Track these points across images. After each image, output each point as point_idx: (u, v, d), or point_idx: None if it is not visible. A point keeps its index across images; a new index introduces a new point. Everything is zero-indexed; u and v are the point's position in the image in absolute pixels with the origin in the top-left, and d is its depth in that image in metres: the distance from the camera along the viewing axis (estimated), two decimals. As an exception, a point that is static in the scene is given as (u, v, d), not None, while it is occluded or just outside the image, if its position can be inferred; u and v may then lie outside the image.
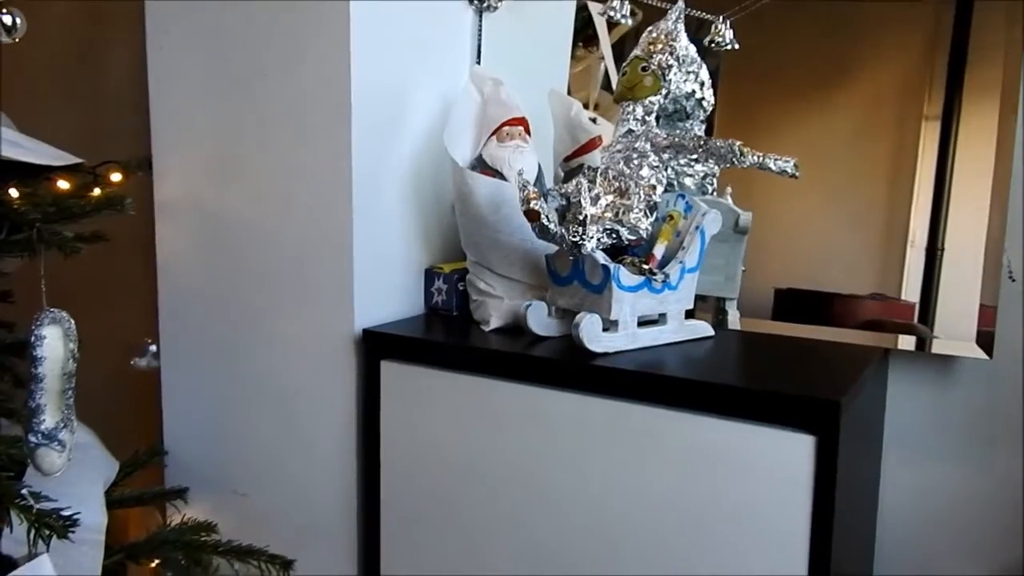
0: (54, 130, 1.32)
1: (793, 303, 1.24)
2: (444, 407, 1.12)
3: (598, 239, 1.04)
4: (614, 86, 1.18)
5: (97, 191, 1.24)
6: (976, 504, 1.22)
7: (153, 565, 1.28)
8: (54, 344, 1.03)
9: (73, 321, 1.05)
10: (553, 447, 1.05)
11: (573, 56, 1.44)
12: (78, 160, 1.24)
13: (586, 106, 1.41)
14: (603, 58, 1.44)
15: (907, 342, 1.18)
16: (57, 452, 1.02)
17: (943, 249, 1.15)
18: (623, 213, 1.06)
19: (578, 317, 1.04)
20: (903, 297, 1.17)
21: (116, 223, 1.22)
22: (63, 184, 1.20)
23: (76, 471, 1.09)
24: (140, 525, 1.39)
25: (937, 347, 1.16)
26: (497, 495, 1.09)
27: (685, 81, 1.14)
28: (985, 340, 1.12)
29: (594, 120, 1.32)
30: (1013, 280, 1.14)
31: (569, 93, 1.42)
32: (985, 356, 1.12)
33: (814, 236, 1.25)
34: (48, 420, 1.02)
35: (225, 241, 1.30)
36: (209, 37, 1.27)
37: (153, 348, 1.40)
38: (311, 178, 1.21)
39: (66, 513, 1.01)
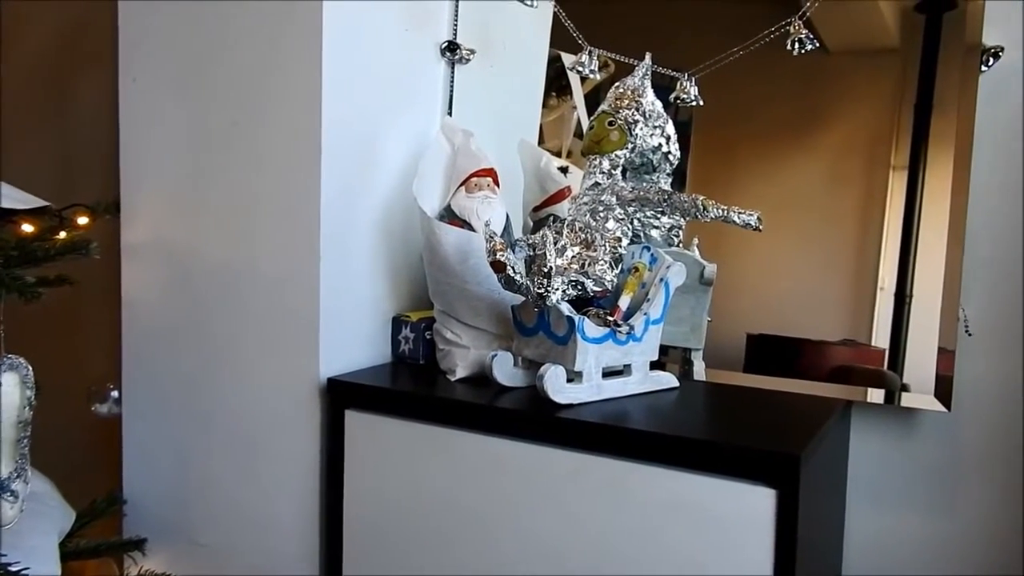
0: (23, 172, 1.31)
1: (765, 349, 1.25)
2: (408, 457, 1.11)
3: (563, 291, 1.05)
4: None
5: (63, 234, 1.23)
6: (938, 553, 1.22)
7: (107, 619, 1.25)
8: (10, 391, 1.01)
9: (31, 368, 1.04)
10: (517, 498, 1.04)
11: (546, 105, 1.46)
12: (44, 203, 1.23)
13: (558, 154, 1.43)
14: (576, 107, 1.47)
15: (872, 394, 1.19)
16: (9, 503, 1.00)
17: (911, 296, 1.17)
18: (589, 265, 1.07)
19: (542, 368, 1.04)
20: (873, 343, 1.19)
21: (82, 265, 1.22)
22: (27, 227, 1.20)
23: (29, 522, 1.07)
24: (96, 577, 1.36)
25: (897, 400, 1.17)
26: (461, 546, 1.08)
27: (651, 135, 1.16)
28: (943, 389, 1.14)
29: (565, 169, 1.34)
30: (970, 334, 1.16)
31: (542, 141, 1.44)
32: (944, 409, 1.14)
33: (786, 281, 1.26)
34: (1, 470, 1.00)
35: (191, 287, 1.29)
36: (181, 80, 1.28)
37: (115, 394, 1.38)
38: (279, 224, 1.21)
39: (15, 568, 0.98)
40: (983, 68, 1.14)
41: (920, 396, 1.15)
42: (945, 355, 1.14)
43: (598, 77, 1.36)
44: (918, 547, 1.23)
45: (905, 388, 1.17)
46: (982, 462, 1.19)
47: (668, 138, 1.19)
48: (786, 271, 1.27)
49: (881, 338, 1.18)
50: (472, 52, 1.40)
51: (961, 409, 1.17)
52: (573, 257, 1.08)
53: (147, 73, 1.31)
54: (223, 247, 1.26)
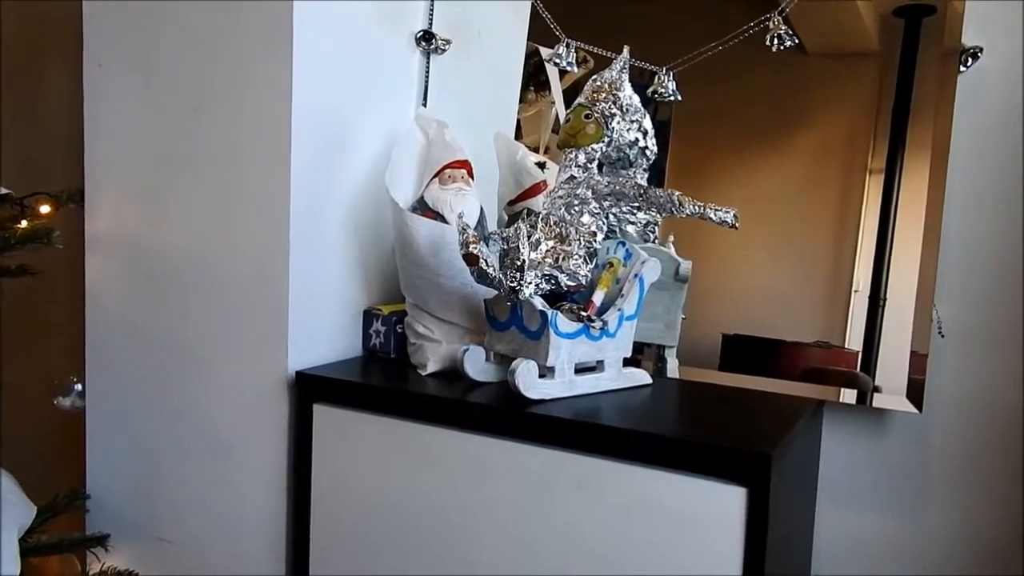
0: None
1: (740, 349, 1.24)
2: (377, 452, 1.10)
3: (536, 285, 1.04)
4: (562, 132, 1.19)
5: (24, 223, 1.20)
6: (907, 553, 1.22)
7: (67, 616, 1.22)
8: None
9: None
10: (487, 495, 1.03)
11: (525, 101, 1.44)
12: (5, 191, 1.21)
13: (536, 150, 1.42)
14: (554, 103, 1.45)
15: (845, 394, 1.18)
16: (-36, 497, 0.97)
17: (885, 299, 1.17)
18: (563, 259, 1.06)
19: (514, 363, 1.03)
20: (847, 345, 1.19)
21: (44, 256, 1.19)
22: (-13, 215, 1.17)
23: (-14, 517, 1.04)
24: (58, 575, 1.33)
25: (869, 401, 1.17)
26: (430, 543, 1.07)
27: (628, 130, 1.15)
28: (916, 389, 1.13)
29: (542, 165, 1.33)
30: (943, 336, 1.16)
31: (519, 137, 1.43)
32: (915, 410, 1.13)
33: (762, 282, 1.26)
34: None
35: (157, 278, 1.26)
36: (148, 66, 1.25)
37: (79, 387, 1.35)
38: (248, 215, 1.18)
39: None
40: (962, 68, 1.14)
41: (892, 397, 1.15)
42: (917, 358, 1.14)
43: (575, 70, 1.34)
44: (887, 547, 1.23)
45: (877, 390, 1.17)
46: (952, 465, 1.19)
47: (645, 133, 1.18)
48: (761, 271, 1.26)
49: (855, 340, 1.18)
50: (448, 42, 1.38)
51: (932, 411, 1.17)
52: (547, 251, 1.06)
53: (113, 58, 1.28)
54: (190, 238, 1.23)
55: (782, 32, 1.16)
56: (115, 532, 1.32)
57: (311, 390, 1.15)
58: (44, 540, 1.25)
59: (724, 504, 0.90)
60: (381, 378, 1.18)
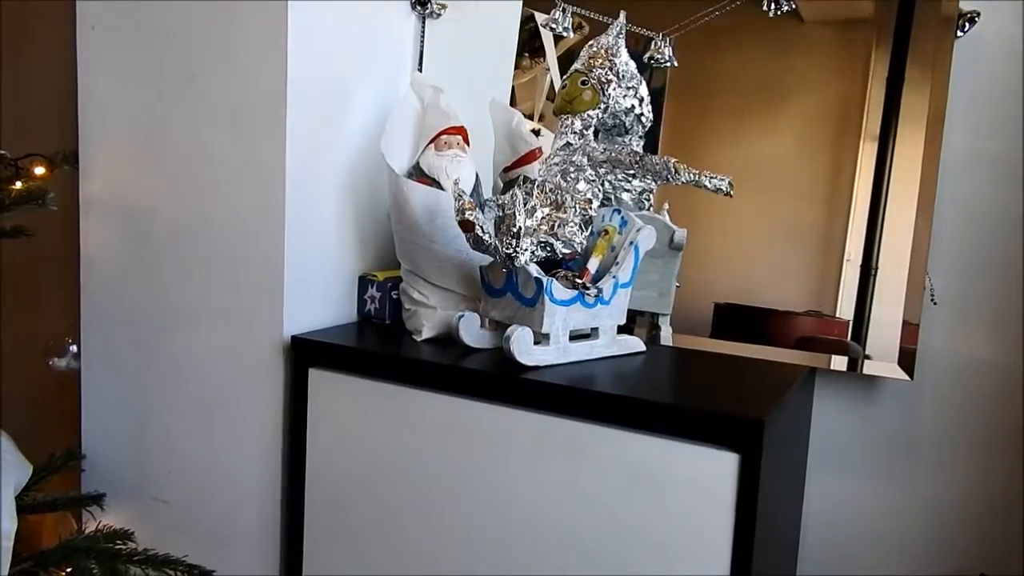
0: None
1: (732, 318, 1.25)
2: (372, 417, 1.10)
3: (532, 252, 1.04)
4: (558, 98, 1.18)
5: (18, 184, 1.20)
6: (897, 520, 1.25)
7: (64, 574, 1.23)
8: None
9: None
10: (481, 460, 1.04)
11: (520, 67, 1.43)
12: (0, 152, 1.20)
13: (531, 117, 1.41)
14: (549, 70, 1.44)
15: (838, 362, 1.20)
16: (-39, 457, 0.98)
17: (877, 268, 1.17)
18: (558, 226, 1.06)
19: (509, 330, 1.03)
20: (838, 314, 1.19)
21: (39, 218, 1.18)
22: (-20, 176, 1.16)
23: (-17, 476, 1.05)
24: (53, 532, 1.34)
25: (860, 367, 1.18)
26: (423, 507, 1.08)
27: (624, 96, 1.15)
28: (907, 358, 1.15)
29: (537, 132, 1.32)
30: (935, 303, 1.17)
31: (514, 103, 1.42)
32: (906, 377, 1.15)
33: (754, 251, 1.26)
34: (-48, 423, 0.98)
35: (152, 241, 1.26)
36: (141, 29, 1.23)
37: (73, 348, 1.35)
38: (244, 179, 1.18)
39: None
40: (959, 34, 1.14)
41: (884, 364, 1.16)
42: (909, 328, 1.15)
43: (571, 35, 1.33)
44: (876, 513, 1.25)
45: (868, 358, 1.18)
46: (943, 433, 1.21)
47: (641, 100, 1.17)
48: (754, 240, 1.26)
49: (846, 310, 1.19)
50: (443, 7, 1.37)
51: (924, 378, 1.19)
52: (543, 218, 1.06)
53: (106, 20, 1.26)
54: (186, 201, 1.23)
55: (779, -4, 1.16)
56: (110, 492, 1.33)
57: (307, 354, 1.15)
58: (40, 498, 1.26)
59: (716, 470, 0.91)
60: (377, 343, 1.18)
